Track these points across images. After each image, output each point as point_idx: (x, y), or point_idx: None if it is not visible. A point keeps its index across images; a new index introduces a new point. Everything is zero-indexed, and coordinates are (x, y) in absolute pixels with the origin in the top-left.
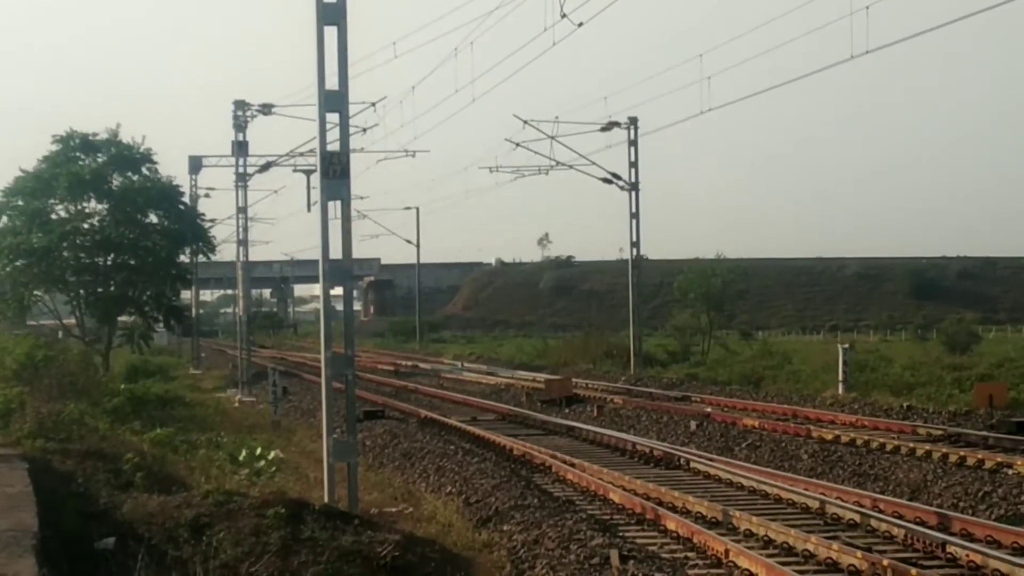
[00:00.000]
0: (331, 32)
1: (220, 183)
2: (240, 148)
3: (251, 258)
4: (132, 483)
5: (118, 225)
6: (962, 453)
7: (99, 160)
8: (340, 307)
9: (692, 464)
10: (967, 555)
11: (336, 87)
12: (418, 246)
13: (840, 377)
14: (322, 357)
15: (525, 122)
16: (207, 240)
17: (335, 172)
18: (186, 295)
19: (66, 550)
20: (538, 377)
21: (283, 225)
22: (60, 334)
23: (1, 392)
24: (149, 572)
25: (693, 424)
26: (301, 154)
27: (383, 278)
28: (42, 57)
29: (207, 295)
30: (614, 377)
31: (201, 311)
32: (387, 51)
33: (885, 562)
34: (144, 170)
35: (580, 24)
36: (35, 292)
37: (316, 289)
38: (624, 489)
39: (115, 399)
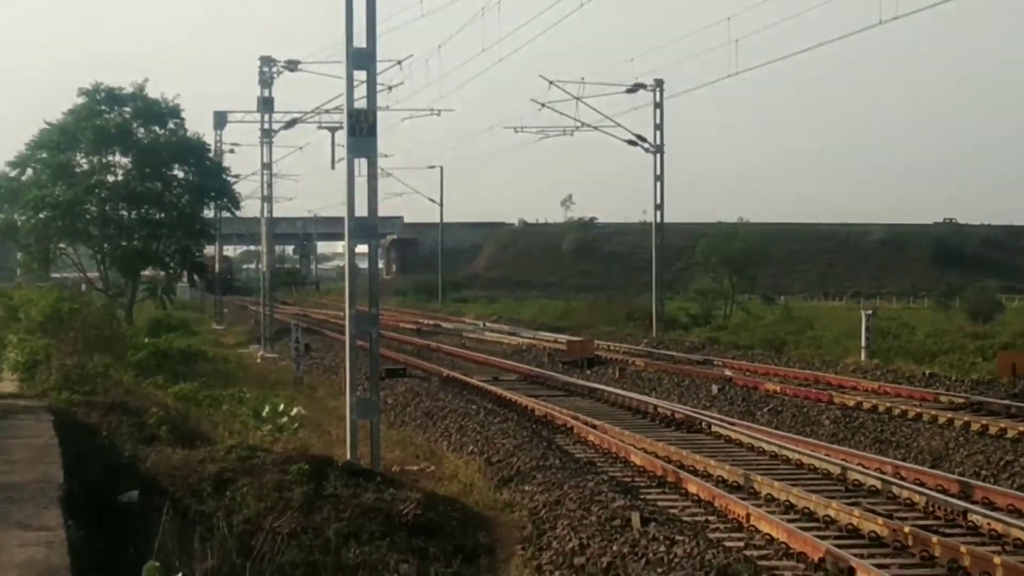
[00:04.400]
0: None
1: (245, 139)
2: (266, 104)
3: (275, 214)
4: (156, 437)
5: (143, 179)
6: (984, 421)
7: (125, 114)
8: (363, 265)
9: (714, 428)
10: (988, 523)
11: (364, 45)
12: (441, 205)
13: (863, 343)
14: (346, 314)
15: (551, 83)
16: (231, 196)
17: (362, 130)
18: (209, 250)
19: (91, 502)
20: (560, 338)
21: (307, 182)
22: (83, 287)
23: (27, 344)
24: (173, 525)
25: (715, 388)
26: (326, 111)
27: (406, 237)
28: (68, 12)
29: (230, 251)
30: (636, 339)
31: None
32: (414, 9)
33: (906, 529)
34: (170, 124)
35: None
36: (59, 245)
37: (339, 246)
38: (645, 451)
39: (139, 353)
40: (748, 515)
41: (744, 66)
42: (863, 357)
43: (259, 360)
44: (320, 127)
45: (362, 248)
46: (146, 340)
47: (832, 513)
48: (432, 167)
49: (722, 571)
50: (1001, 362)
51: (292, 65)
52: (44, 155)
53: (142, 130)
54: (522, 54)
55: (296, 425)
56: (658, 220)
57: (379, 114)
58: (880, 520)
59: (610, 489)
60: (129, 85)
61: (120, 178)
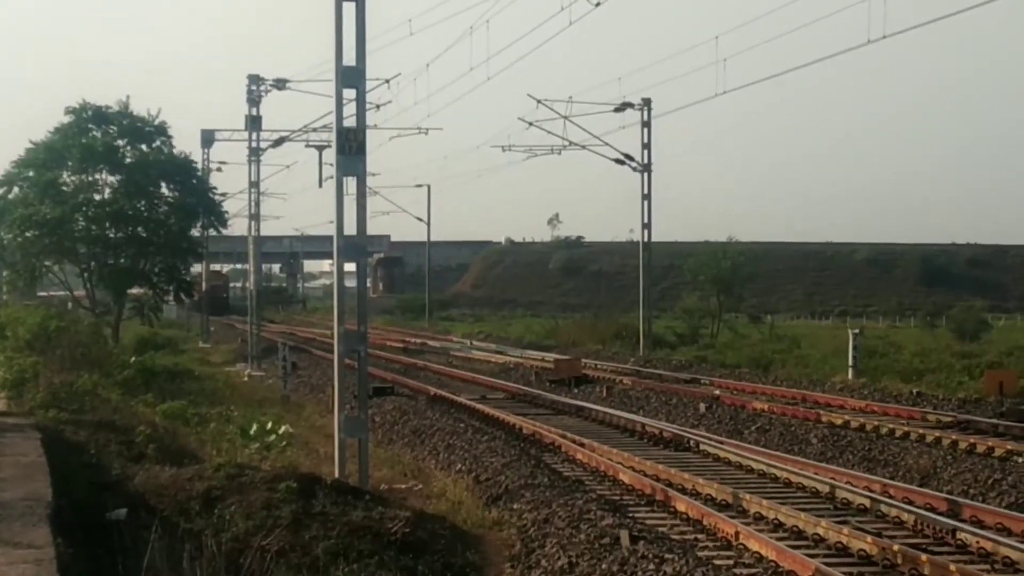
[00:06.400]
0: (349, 8)
1: (233, 157)
2: (254, 123)
3: (262, 233)
4: (144, 455)
5: (130, 197)
6: (972, 440)
7: (112, 132)
8: (349, 283)
9: (702, 446)
10: (977, 542)
11: (353, 63)
12: (428, 224)
13: (850, 362)
14: (335, 333)
15: (539, 101)
16: (219, 214)
17: (351, 148)
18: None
19: (79, 520)
20: (547, 357)
21: (294, 200)
22: (70, 305)
23: (15, 362)
24: (161, 543)
25: (702, 406)
26: (314, 129)
27: (392, 255)
28: (54, 30)
29: (217, 269)
30: (623, 358)
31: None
32: (403, 28)
33: (896, 547)
34: (157, 143)
35: (597, 4)
36: (46, 263)
37: (325, 265)
38: (634, 470)
39: (126, 371)
40: (737, 533)
41: (731, 85)
42: (850, 376)
43: (246, 378)
44: (308, 145)
45: (349, 266)
46: (132, 358)
47: (821, 531)
48: (419, 186)
49: None
50: (988, 381)
51: (280, 83)
52: (31, 173)
53: (129, 148)
54: (510, 73)
55: (284, 443)
56: (645, 239)
57: (367, 133)
58: (869, 538)
59: (599, 507)
60: (114, 103)
61: (107, 196)
